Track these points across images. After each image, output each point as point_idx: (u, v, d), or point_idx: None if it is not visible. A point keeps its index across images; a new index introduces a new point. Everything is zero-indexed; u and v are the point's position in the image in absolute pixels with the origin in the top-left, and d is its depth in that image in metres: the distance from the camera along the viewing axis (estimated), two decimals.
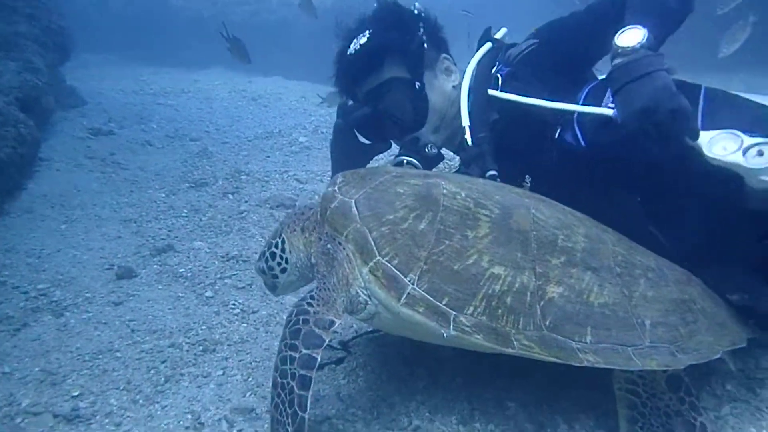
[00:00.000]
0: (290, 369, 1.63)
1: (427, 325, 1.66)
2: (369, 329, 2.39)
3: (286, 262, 2.02)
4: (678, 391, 1.74)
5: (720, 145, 1.80)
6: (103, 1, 14.11)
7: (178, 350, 2.43)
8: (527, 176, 2.37)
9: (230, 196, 4.29)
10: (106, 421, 1.98)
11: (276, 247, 2.03)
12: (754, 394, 1.91)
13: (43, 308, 2.75)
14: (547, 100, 2.16)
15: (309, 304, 1.76)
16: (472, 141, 2.30)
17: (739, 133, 1.79)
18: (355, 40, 2.43)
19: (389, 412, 1.94)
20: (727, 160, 1.77)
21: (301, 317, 1.72)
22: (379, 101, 2.43)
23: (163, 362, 2.34)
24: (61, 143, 5.15)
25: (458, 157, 2.48)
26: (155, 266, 3.22)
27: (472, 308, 1.66)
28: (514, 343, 1.62)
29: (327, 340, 1.70)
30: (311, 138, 5.95)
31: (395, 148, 2.62)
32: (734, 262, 1.99)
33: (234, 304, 2.83)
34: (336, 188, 1.91)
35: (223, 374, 2.26)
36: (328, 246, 1.85)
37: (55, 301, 2.82)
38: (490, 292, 1.68)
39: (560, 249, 1.77)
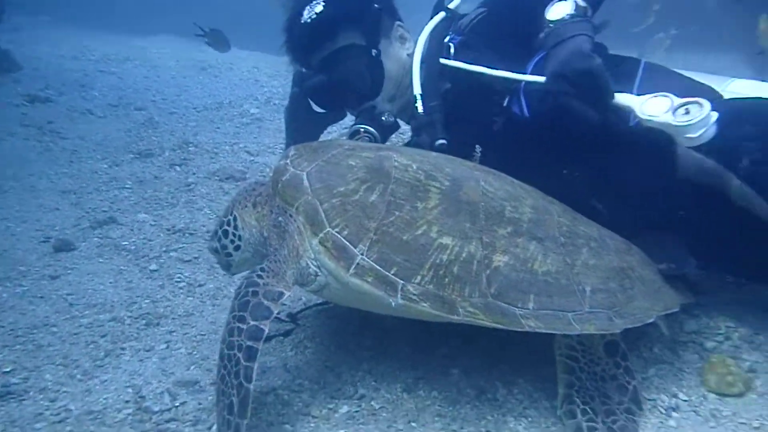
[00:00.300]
0: (237, 341, 1.62)
1: (376, 295, 1.66)
2: (318, 301, 2.36)
3: (240, 239, 2.00)
4: (615, 356, 1.81)
5: (652, 107, 1.87)
6: None
7: (119, 324, 2.35)
8: (477, 146, 2.39)
9: (177, 168, 4.16)
10: (40, 396, 1.90)
11: (228, 224, 2.00)
12: (678, 357, 2.01)
13: None
14: (494, 68, 2.17)
15: (259, 276, 1.75)
16: (423, 109, 2.28)
17: (669, 95, 1.86)
18: (308, 7, 2.37)
19: (335, 382, 1.93)
20: (659, 120, 1.84)
21: (250, 289, 1.71)
22: (335, 69, 2.39)
23: (103, 336, 2.26)
24: None
25: (410, 128, 2.47)
26: (96, 239, 3.10)
27: (419, 277, 1.67)
28: (460, 310, 1.64)
29: (275, 312, 1.69)
30: (263, 109, 5.81)
31: (349, 120, 2.58)
32: (664, 232, 2.09)
33: (180, 278, 2.76)
34: (288, 161, 1.89)
35: (167, 348, 2.21)
36: (280, 219, 1.84)
37: None
38: (437, 261, 1.68)
39: (507, 220, 1.80)
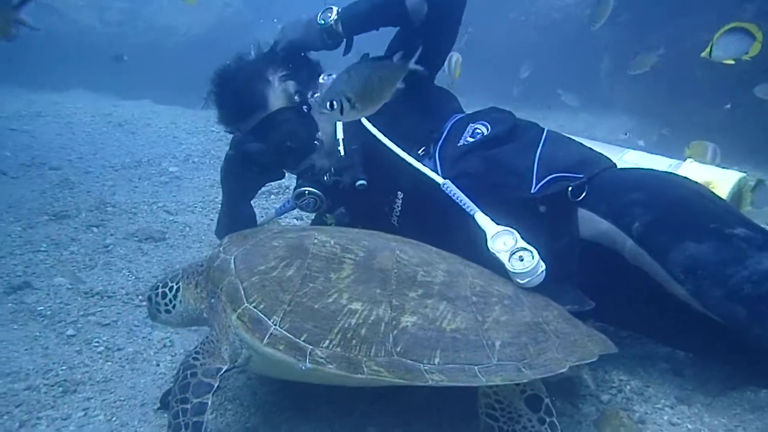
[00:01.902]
0: (183, 420, 1.75)
1: (287, 361, 1.79)
2: None
3: (173, 308, 2.18)
4: (538, 412, 1.84)
5: (501, 240, 2.08)
6: None
7: (35, 393, 2.35)
8: (399, 192, 2.53)
9: (95, 229, 4.15)
10: None
11: (170, 290, 2.18)
12: (577, 409, 2.15)
13: None
14: (398, 144, 2.39)
15: (195, 358, 1.89)
16: (344, 152, 2.46)
17: (515, 232, 2.07)
18: (233, 71, 2.57)
19: None
20: (500, 258, 2.07)
21: (188, 372, 1.85)
22: (269, 133, 2.54)
23: (17, 406, 2.25)
24: None
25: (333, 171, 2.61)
26: (10, 305, 3.05)
27: (328, 341, 1.81)
28: (365, 369, 1.76)
29: (216, 385, 1.83)
30: (182, 167, 5.85)
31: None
32: (562, 281, 2.23)
33: (98, 342, 2.78)
34: (221, 248, 2.07)
35: (85, 415, 2.24)
36: (212, 300, 2.02)
37: None
38: (346, 325, 1.83)
39: (419, 283, 1.94)
